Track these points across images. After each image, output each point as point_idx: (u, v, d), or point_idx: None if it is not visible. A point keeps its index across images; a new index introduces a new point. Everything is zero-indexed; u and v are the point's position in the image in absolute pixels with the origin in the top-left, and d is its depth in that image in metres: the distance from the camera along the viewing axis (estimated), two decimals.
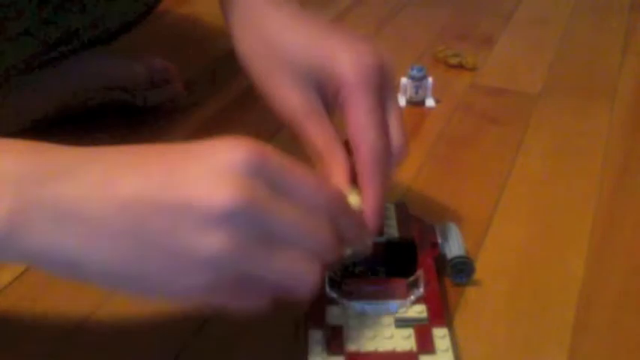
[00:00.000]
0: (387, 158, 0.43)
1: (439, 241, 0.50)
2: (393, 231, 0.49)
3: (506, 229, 0.55)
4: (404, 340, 0.41)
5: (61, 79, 0.64)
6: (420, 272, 0.45)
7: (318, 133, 0.46)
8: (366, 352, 0.40)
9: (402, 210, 0.52)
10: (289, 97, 0.46)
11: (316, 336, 0.41)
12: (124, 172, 0.34)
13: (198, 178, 0.33)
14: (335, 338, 0.41)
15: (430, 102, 0.74)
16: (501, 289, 0.49)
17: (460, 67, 0.81)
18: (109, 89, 0.66)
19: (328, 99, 0.46)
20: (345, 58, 0.44)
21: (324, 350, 0.40)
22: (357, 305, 0.43)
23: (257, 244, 0.33)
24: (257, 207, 0.33)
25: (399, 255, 0.47)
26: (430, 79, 0.73)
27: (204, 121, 0.70)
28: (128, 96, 0.67)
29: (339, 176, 0.44)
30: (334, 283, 0.44)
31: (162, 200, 0.33)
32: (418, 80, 0.73)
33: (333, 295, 0.44)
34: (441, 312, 0.43)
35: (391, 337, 0.41)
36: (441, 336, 0.41)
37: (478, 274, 0.50)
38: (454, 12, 0.98)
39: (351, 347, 0.41)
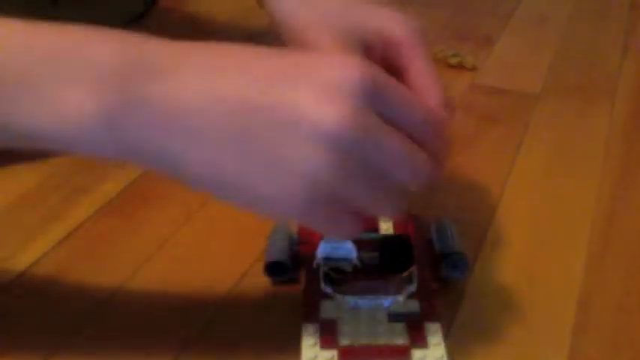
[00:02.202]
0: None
1: (433, 236, 0.50)
2: (388, 227, 0.50)
3: (506, 229, 0.55)
4: (397, 335, 0.42)
5: None
6: (413, 268, 0.45)
7: None
8: (358, 346, 0.41)
9: None
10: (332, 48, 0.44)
11: (309, 330, 0.41)
12: (229, 74, 0.33)
13: (308, 92, 0.33)
14: (328, 332, 0.41)
15: None
16: (501, 289, 0.49)
17: (460, 67, 0.81)
18: None
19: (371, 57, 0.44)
20: (398, 23, 0.44)
21: (316, 344, 0.41)
22: (350, 300, 0.44)
23: (356, 170, 0.34)
24: (364, 135, 0.33)
25: (395, 251, 0.47)
26: None
27: None
28: None
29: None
30: (329, 279, 0.45)
31: (269, 108, 0.33)
32: None
33: (328, 290, 0.44)
34: (433, 307, 0.44)
35: (384, 331, 0.42)
36: (433, 330, 0.42)
37: (477, 274, 0.50)
38: (454, 12, 0.98)
39: (344, 341, 0.41)
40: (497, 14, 0.98)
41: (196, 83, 0.33)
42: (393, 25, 0.44)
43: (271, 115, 0.33)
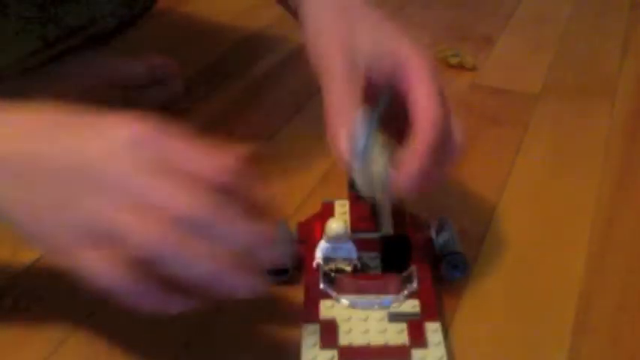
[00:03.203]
0: (446, 141, 0.43)
1: (433, 236, 0.50)
2: (387, 226, 0.50)
3: (505, 229, 0.55)
4: (396, 335, 0.42)
5: (60, 78, 0.64)
6: (413, 267, 0.45)
7: (339, 90, 0.45)
8: (358, 346, 0.41)
9: (397, 206, 0.52)
10: (334, 57, 0.45)
11: (309, 330, 0.41)
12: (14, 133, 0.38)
13: (93, 143, 0.38)
14: (328, 332, 0.41)
15: None
16: (501, 289, 0.49)
17: (460, 67, 0.81)
18: (109, 88, 0.66)
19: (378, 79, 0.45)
20: (412, 49, 0.45)
21: (316, 344, 0.40)
22: (350, 300, 0.44)
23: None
24: (144, 173, 0.37)
25: (393, 250, 0.47)
26: None
27: (205, 121, 0.69)
28: (127, 95, 0.67)
29: (340, 137, 0.43)
30: (329, 279, 0.45)
31: (59, 164, 0.37)
32: None
33: (327, 290, 0.44)
34: (433, 307, 0.44)
35: (384, 331, 0.42)
36: (433, 330, 0.42)
37: (477, 274, 0.50)
38: (454, 12, 0.98)
39: (344, 341, 0.41)
40: (497, 14, 0.98)
41: None
42: (412, 54, 0.45)
43: (62, 171, 0.37)
